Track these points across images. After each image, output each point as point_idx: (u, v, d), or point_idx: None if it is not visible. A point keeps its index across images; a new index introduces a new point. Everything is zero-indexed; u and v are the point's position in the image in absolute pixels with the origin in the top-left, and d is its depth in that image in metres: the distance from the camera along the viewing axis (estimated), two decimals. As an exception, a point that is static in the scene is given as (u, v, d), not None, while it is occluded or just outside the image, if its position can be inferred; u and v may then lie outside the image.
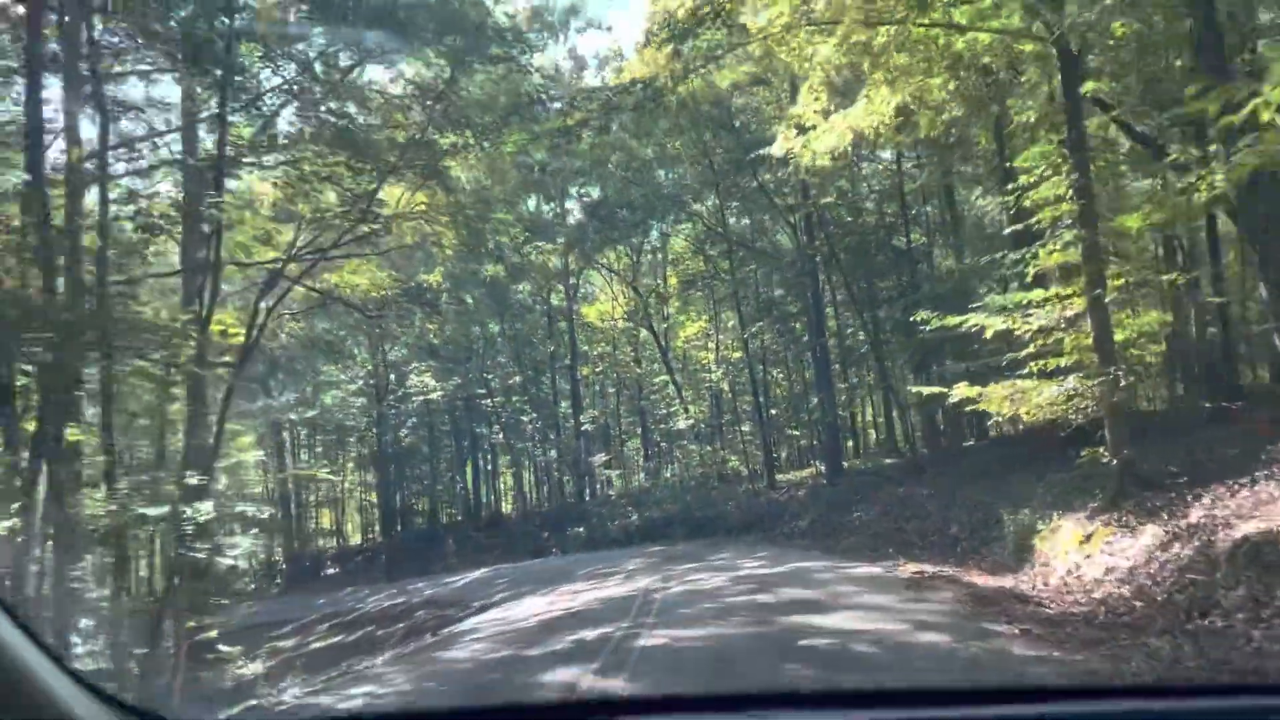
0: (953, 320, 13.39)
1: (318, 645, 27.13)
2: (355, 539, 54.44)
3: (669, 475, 38.72)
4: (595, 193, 34.26)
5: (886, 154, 28.77)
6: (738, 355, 39.35)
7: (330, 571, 47.67)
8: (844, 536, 21.18)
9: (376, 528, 51.32)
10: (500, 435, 43.55)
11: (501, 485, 49.06)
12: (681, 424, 39.24)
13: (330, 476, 51.06)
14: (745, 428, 39.61)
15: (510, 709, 2.87)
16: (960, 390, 12.87)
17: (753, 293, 36.12)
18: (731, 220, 34.47)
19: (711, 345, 42.79)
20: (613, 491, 41.66)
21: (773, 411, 38.23)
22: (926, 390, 13.87)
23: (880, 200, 30.54)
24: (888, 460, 32.39)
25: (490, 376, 43.84)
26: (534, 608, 15.36)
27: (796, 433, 39.78)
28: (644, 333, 43.37)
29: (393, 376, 44.95)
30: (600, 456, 42.68)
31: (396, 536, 48.52)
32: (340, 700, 9.53)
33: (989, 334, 13.19)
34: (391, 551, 46.46)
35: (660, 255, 41.69)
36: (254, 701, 11.89)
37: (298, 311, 30.79)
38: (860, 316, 30.23)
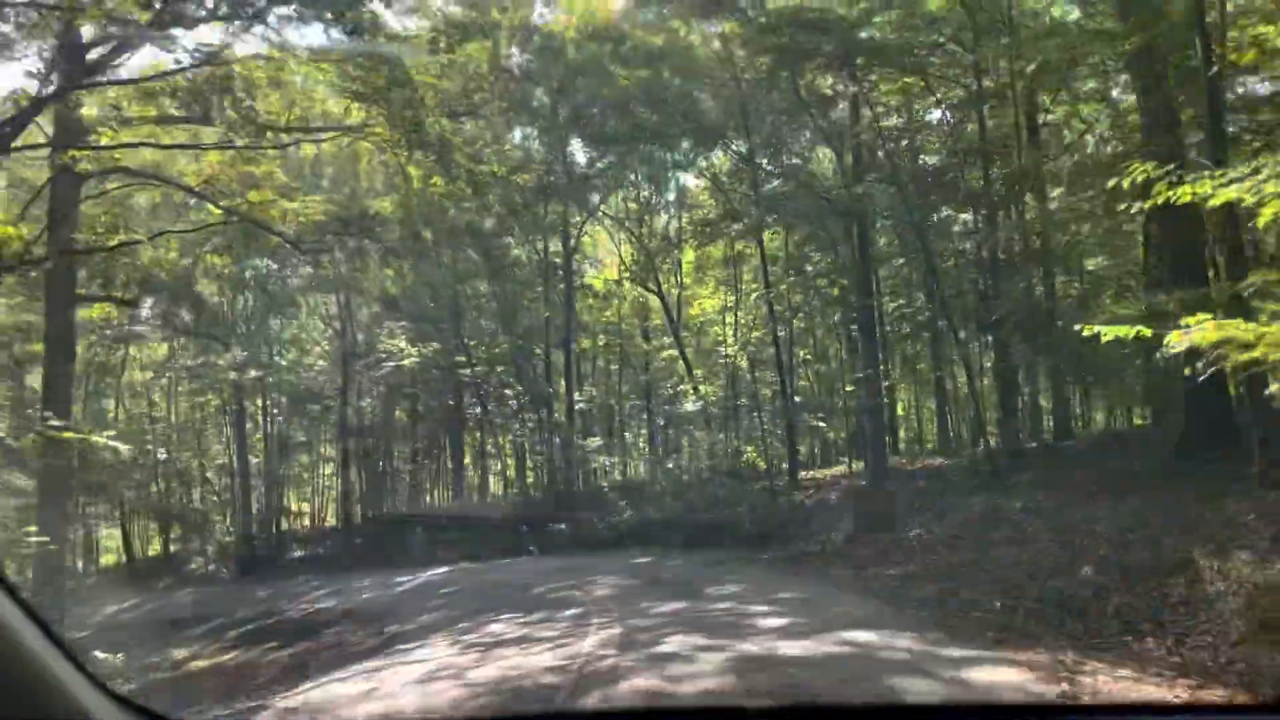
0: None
1: (202, 664, 21.35)
2: (332, 521, 48.56)
3: (672, 466, 32.48)
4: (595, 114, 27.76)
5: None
6: (757, 334, 33.10)
7: (297, 555, 41.73)
8: (899, 564, 14.92)
9: (359, 509, 45.61)
10: (480, 410, 37.45)
11: (483, 469, 42.92)
12: (690, 406, 33.01)
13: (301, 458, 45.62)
14: (763, 416, 33.37)
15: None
16: (1206, 330, 6.57)
17: (782, 242, 29.76)
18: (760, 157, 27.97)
19: (729, 319, 36.57)
20: (607, 483, 35.49)
21: (796, 399, 31.91)
22: (1114, 331, 7.54)
23: (951, 131, 23.99)
24: (939, 460, 26.10)
25: (472, 343, 37.71)
26: (404, 677, 9.27)
27: (822, 424, 33.43)
28: (653, 298, 37.14)
29: (361, 338, 38.92)
30: (595, 441, 36.48)
31: (364, 521, 42.62)
32: None
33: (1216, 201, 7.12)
34: (357, 538, 40.69)
35: (670, 195, 35.27)
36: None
37: (210, 237, 24.83)
38: (926, 267, 23.64)
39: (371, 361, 39.25)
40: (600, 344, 40.12)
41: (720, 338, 37.19)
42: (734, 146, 26.14)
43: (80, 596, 42.59)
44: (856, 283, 23.80)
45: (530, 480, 39.39)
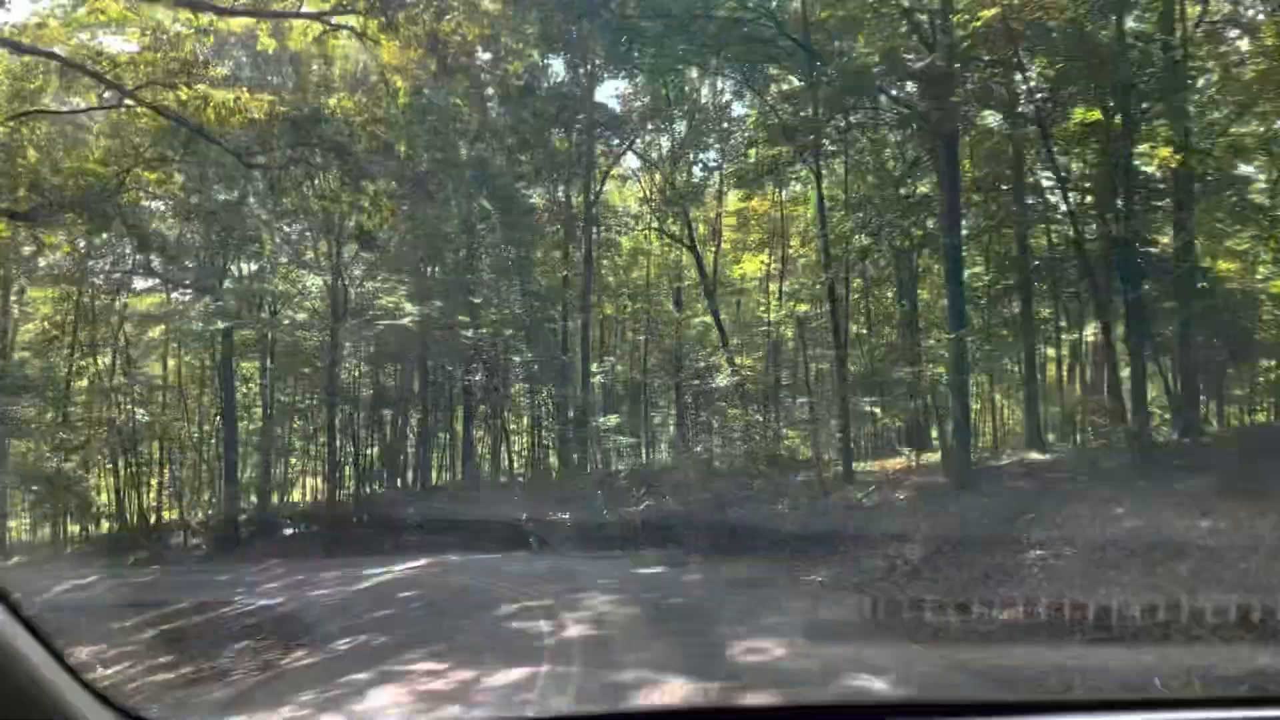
0: None
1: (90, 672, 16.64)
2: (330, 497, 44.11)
3: (700, 450, 27.49)
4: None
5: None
6: (805, 307, 27.99)
7: (284, 533, 37.32)
8: (1023, 599, 9.90)
9: (348, 485, 41.18)
10: (485, 379, 32.69)
11: (493, 445, 38.13)
12: (722, 380, 27.98)
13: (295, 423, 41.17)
14: (811, 395, 28.27)
15: None
16: None
17: (842, 182, 24.55)
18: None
19: (773, 287, 31.46)
20: (625, 466, 30.59)
21: (850, 369, 26.72)
22: None
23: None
24: (1030, 456, 20.89)
25: (478, 301, 32.92)
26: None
27: (876, 410, 28.22)
28: (686, 255, 32.14)
29: (353, 293, 34.30)
30: (613, 419, 31.61)
31: (357, 500, 38.20)
32: None
33: None
34: (345, 519, 36.27)
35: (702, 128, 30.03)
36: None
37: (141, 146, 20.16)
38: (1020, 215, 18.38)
39: (365, 320, 34.67)
40: (624, 309, 35.16)
41: (761, 305, 32.09)
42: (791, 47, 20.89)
43: (44, 570, 38.77)
44: (942, 219, 18.55)
45: (539, 460, 34.62)
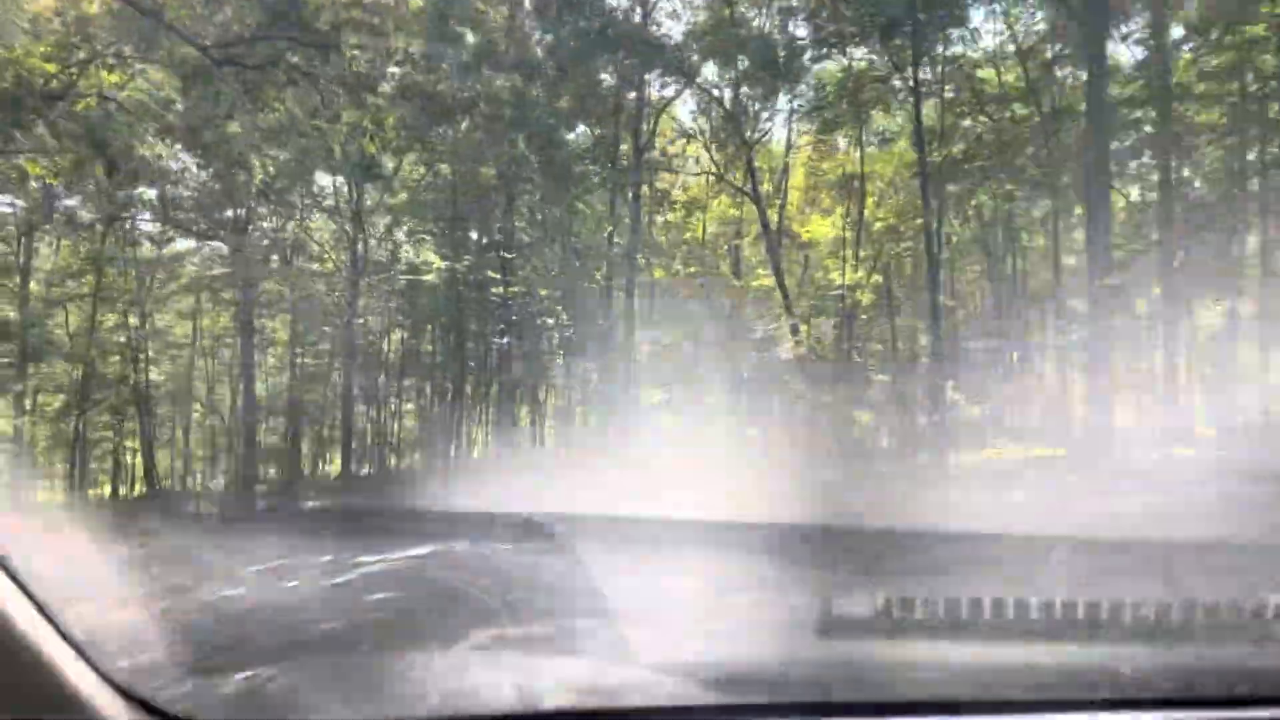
0: None
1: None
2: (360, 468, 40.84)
3: (756, 434, 23.48)
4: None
5: None
6: (867, 278, 23.81)
7: (308, 505, 34.10)
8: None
9: (370, 458, 37.94)
10: (511, 341, 29.03)
11: (534, 417, 34.39)
12: (786, 352, 23.95)
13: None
14: (897, 367, 24.24)
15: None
16: None
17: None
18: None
19: (848, 253, 27.24)
20: (671, 450, 26.71)
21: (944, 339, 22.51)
22: None
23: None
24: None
25: (510, 255, 29.22)
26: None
27: (957, 394, 23.86)
28: (747, 209, 28.08)
29: (374, 241, 30.84)
30: (658, 394, 27.74)
31: (382, 470, 35.04)
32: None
33: None
34: (365, 492, 33.05)
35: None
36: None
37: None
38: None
39: (387, 275, 31.21)
40: (676, 272, 31.15)
41: (831, 271, 27.88)
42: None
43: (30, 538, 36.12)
44: (1091, 118, 14.19)
45: (575, 438, 30.90)
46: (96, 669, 1.73)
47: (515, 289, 28.01)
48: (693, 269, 30.40)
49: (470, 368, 32.29)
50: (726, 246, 30.70)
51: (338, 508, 32.15)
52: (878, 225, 26.78)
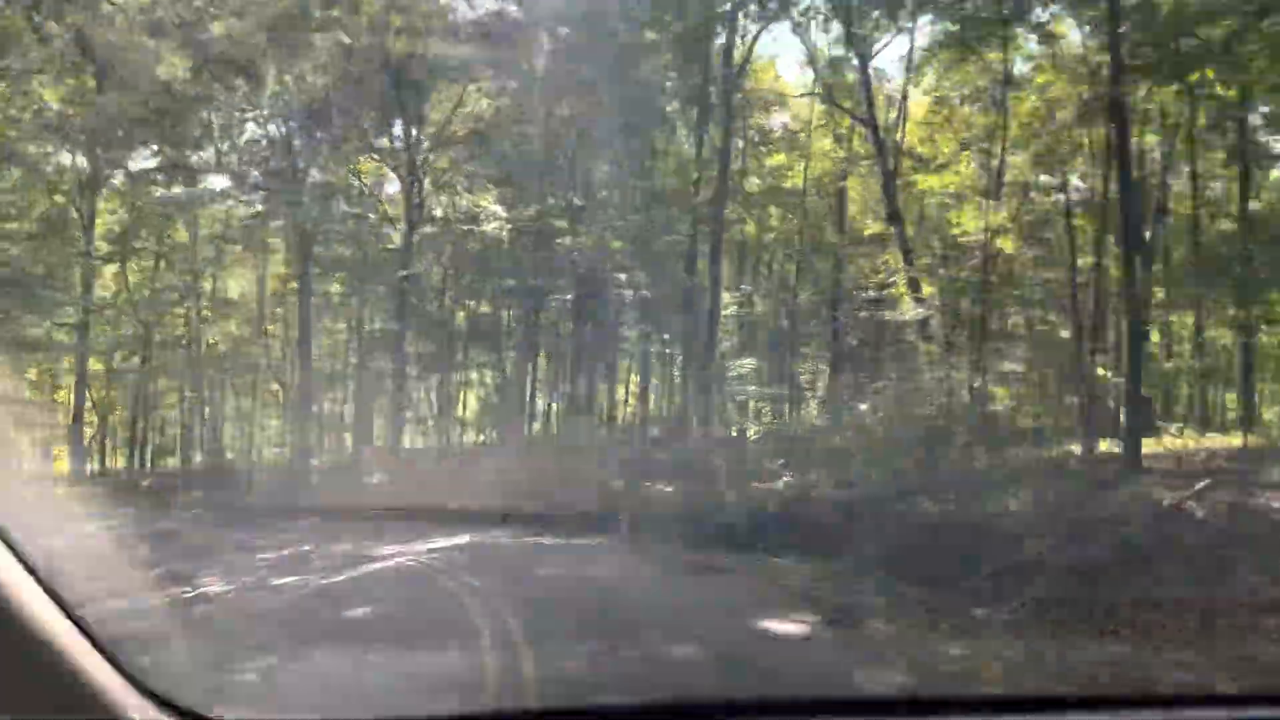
0: None
1: None
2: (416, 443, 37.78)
3: (868, 410, 19.07)
4: None
5: None
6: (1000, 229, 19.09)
7: (371, 480, 30.99)
8: None
9: (428, 430, 34.78)
10: (575, 298, 25.22)
11: (600, 387, 30.47)
12: (907, 313, 19.55)
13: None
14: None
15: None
16: None
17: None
18: None
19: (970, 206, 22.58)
20: (755, 429, 22.58)
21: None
22: None
23: None
24: None
25: (580, 202, 25.43)
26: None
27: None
28: (858, 144, 23.62)
29: (428, 184, 27.39)
30: (747, 364, 23.55)
31: (429, 449, 31.84)
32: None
33: None
34: (406, 475, 29.80)
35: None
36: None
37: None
38: None
39: (442, 223, 27.74)
40: (770, 225, 26.86)
41: (964, 216, 23.18)
42: None
43: (59, 510, 33.91)
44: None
45: (649, 413, 26.97)
46: (117, 665, 1.65)
47: (585, 240, 24.15)
48: (791, 220, 26.05)
49: (535, 332, 28.62)
50: (829, 191, 26.23)
51: (386, 486, 29.04)
52: (1014, 170, 21.99)
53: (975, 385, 17.92)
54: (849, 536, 13.29)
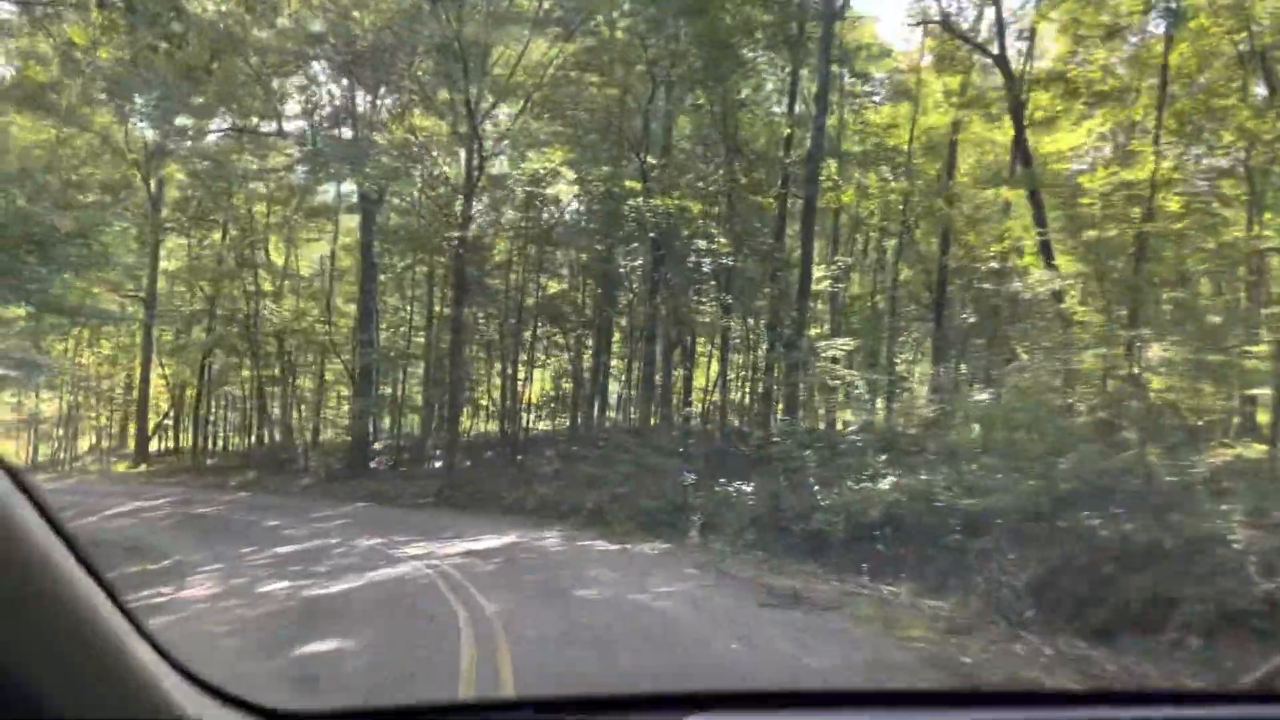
0: None
1: None
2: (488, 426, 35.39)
3: (996, 398, 15.74)
4: None
5: None
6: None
7: (434, 465, 28.74)
8: None
9: (492, 416, 32.37)
10: (647, 265, 22.37)
11: (684, 371, 27.48)
12: (1039, 285, 16.22)
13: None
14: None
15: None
16: None
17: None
18: None
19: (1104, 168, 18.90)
20: (850, 418, 19.44)
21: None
22: None
23: None
24: None
25: (654, 161, 22.60)
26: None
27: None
28: (971, 77, 20.23)
29: (490, 144, 24.86)
30: (842, 345, 20.36)
31: (501, 436, 29.35)
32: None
33: None
34: (466, 458, 27.48)
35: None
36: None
37: None
38: None
39: (503, 193, 25.22)
40: (873, 191, 23.59)
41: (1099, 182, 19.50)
42: None
43: (113, 487, 32.70)
44: None
45: (728, 401, 23.99)
46: (169, 659, 1.59)
47: (659, 203, 21.29)
48: (894, 183, 22.77)
49: (605, 307, 25.91)
50: (941, 153, 22.82)
51: (441, 473, 26.79)
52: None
53: (1131, 370, 14.50)
54: (982, 558, 10.24)
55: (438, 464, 27.88)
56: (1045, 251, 16.88)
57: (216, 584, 11.76)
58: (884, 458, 16.19)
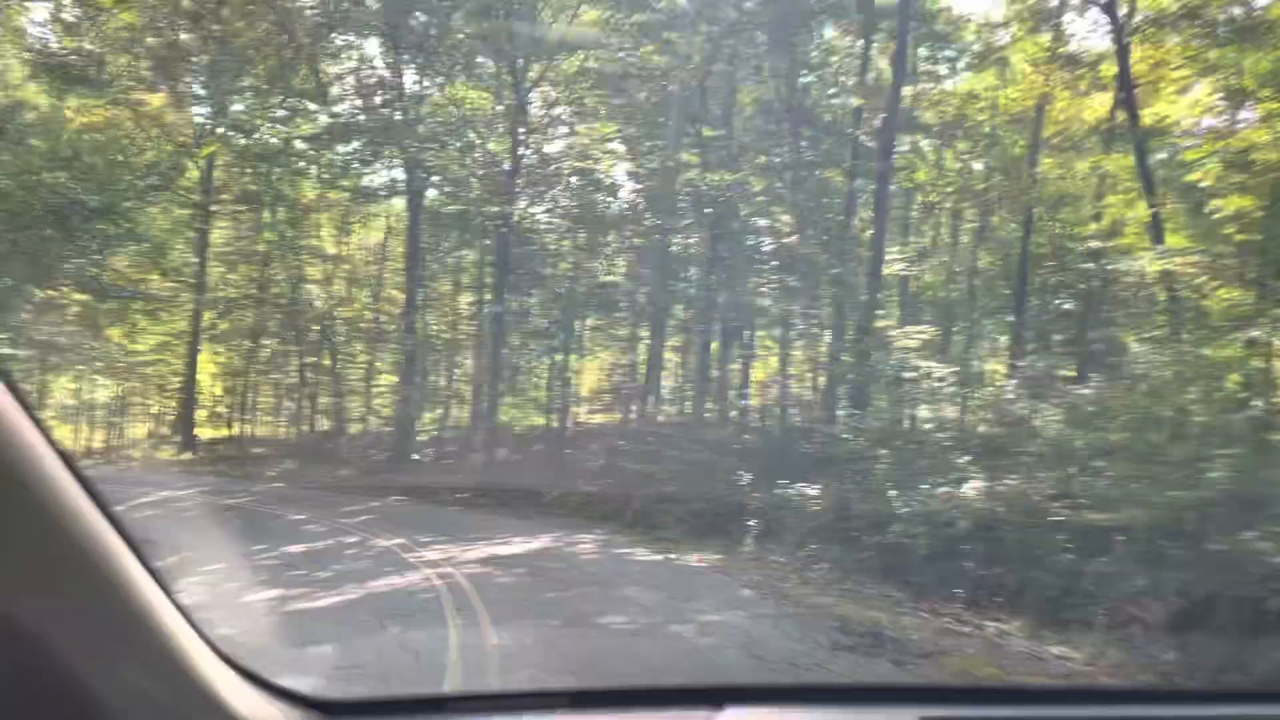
0: None
1: None
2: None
3: (1093, 394, 13.63)
4: None
5: None
6: None
7: (477, 459, 27.30)
8: None
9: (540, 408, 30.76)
10: (705, 244, 20.51)
11: (742, 360, 25.42)
12: (1151, 266, 14.07)
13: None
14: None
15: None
16: None
17: None
18: None
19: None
20: (927, 414, 17.37)
21: None
22: None
23: None
24: None
25: (711, 131, 20.77)
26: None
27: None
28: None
29: (537, 115, 23.25)
30: (918, 334, 18.28)
31: (559, 426, 27.79)
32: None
33: None
34: (511, 452, 25.96)
35: None
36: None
37: None
38: None
39: (551, 170, 23.57)
40: (951, 165, 21.44)
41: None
42: None
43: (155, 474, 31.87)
44: None
45: (791, 394, 22.01)
46: (212, 645, 1.57)
47: (717, 178, 19.44)
48: (973, 154, 20.63)
49: (659, 293, 24.13)
50: (1028, 124, 20.55)
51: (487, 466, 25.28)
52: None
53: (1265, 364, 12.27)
54: (1102, 584, 8.29)
55: (478, 457, 26.40)
56: (1155, 227, 14.71)
57: (205, 590, 10.29)
58: (965, 459, 14.20)
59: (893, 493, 11.89)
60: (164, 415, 45.89)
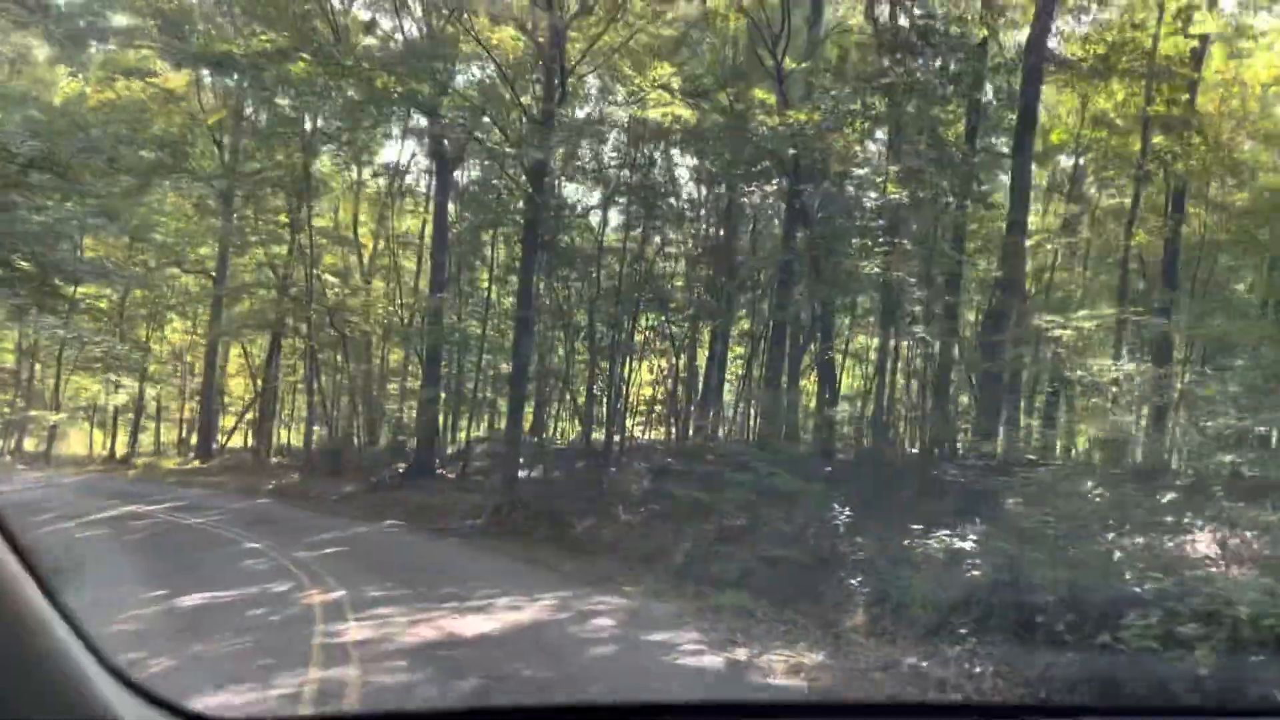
0: None
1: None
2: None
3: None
4: None
5: None
6: None
7: (521, 471, 22.70)
8: None
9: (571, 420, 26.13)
10: (776, 199, 15.78)
11: (772, 357, 20.22)
12: None
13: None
14: None
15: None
16: None
17: None
18: None
19: None
20: (1105, 438, 12.34)
21: None
22: None
23: None
24: None
25: (797, 68, 16.07)
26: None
27: None
28: None
29: (576, 56, 18.75)
30: (1078, 321, 13.26)
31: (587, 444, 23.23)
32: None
33: None
34: (548, 465, 21.51)
35: None
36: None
37: None
38: None
39: (592, 126, 19.08)
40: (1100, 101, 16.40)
41: None
42: None
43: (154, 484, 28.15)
44: None
45: (896, 401, 17.03)
46: (105, 662, 1.58)
47: (804, 117, 14.68)
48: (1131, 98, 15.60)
49: (721, 279, 19.38)
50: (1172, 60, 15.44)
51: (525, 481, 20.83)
52: None
53: None
54: None
55: (522, 473, 21.82)
56: None
57: None
58: (1170, 497, 9.30)
59: (1118, 556, 7.05)
60: (187, 420, 42.64)
